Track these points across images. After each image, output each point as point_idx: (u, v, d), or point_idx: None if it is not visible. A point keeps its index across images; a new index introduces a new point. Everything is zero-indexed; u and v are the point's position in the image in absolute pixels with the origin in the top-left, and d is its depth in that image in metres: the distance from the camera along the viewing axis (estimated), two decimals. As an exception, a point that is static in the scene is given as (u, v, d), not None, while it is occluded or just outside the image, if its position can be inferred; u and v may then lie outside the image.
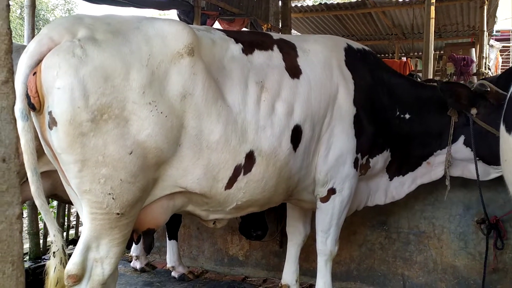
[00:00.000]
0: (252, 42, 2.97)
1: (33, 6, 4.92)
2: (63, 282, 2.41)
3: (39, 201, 2.35)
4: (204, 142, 2.54)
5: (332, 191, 3.22)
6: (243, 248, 4.86)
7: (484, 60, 10.46)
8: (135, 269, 4.83)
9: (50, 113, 2.25)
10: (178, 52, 2.47)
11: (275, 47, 3.04)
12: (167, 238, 4.60)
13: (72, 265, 2.40)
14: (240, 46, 2.88)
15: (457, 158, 3.52)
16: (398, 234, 4.29)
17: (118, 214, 2.38)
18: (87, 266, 2.42)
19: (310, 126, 2.98)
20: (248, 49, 2.90)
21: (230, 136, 2.61)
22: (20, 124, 2.26)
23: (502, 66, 15.43)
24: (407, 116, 3.46)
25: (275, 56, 3.00)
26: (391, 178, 3.62)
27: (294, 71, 3.01)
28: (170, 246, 4.57)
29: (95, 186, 2.30)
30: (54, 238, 2.43)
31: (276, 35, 3.27)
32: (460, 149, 3.48)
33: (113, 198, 2.34)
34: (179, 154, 2.50)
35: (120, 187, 2.33)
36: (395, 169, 3.58)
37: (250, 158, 2.72)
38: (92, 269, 2.44)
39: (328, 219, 3.29)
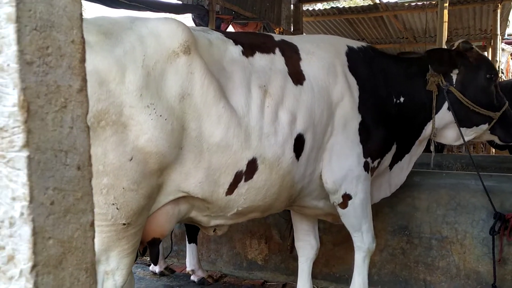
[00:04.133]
0: (252, 44, 2.85)
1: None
2: None
3: None
4: (204, 144, 2.43)
5: (347, 197, 3.14)
6: (262, 252, 4.85)
7: (497, 64, 10.41)
8: (154, 273, 4.83)
9: None
10: (173, 51, 2.35)
11: (277, 50, 2.93)
12: (187, 242, 4.60)
13: None
14: (239, 48, 2.76)
15: (439, 126, 3.55)
16: (420, 239, 4.27)
17: (124, 224, 2.26)
18: (98, 280, 2.33)
19: (312, 135, 2.89)
20: (248, 51, 2.79)
21: (231, 140, 2.50)
22: None
23: (513, 69, 15.34)
24: (402, 99, 3.40)
25: (277, 59, 2.88)
26: (391, 168, 3.57)
27: (297, 76, 2.90)
28: (190, 250, 4.56)
29: (97, 198, 2.16)
30: None
31: (277, 36, 3.14)
32: (443, 115, 3.50)
33: (117, 208, 2.22)
34: (181, 158, 2.39)
35: (123, 196, 2.21)
36: (396, 158, 3.54)
37: (252, 165, 2.62)
38: (104, 282, 2.34)
39: (357, 220, 3.23)
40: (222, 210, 2.72)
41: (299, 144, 2.83)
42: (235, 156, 2.54)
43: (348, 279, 4.43)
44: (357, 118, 3.10)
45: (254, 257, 4.88)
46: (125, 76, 2.19)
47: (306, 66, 2.99)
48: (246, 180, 2.65)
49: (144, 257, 5.41)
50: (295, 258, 4.72)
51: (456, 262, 4.15)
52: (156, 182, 2.37)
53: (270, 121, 2.68)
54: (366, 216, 3.27)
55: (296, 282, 4.65)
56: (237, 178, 2.61)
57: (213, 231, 3.07)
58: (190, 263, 4.55)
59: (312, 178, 3.04)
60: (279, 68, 2.85)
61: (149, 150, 2.25)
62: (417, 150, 3.65)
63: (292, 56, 2.98)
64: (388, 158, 3.39)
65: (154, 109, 2.24)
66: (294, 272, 4.71)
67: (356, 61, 3.26)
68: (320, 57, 3.08)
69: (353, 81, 3.15)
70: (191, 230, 4.57)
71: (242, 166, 2.60)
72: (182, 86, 2.36)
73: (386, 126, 3.27)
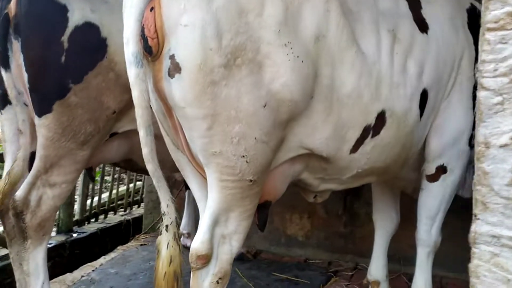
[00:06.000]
0: None
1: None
2: (178, 261, 2.02)
3: (152, 166, 1.97)
4: (334, 95, 2.14)
5: (442, 170, 2.80)
6: (303, 228, 4.48)
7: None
8: (186, 247, 4.47)
9: (172, 57, 1.83)
10: None
11: None
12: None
13: (201, 244, 2.01)
14: None
15: None
16: (483, 217, 3.88)
17: (250, 181, 1.99)
18: (213, 244, 2.05)
19: (435, 92, 2.59)
20: None
21: (363, 90, 2.21)
22: (133, 71, 1.85)
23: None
24: None
25: (401, 2, 2.57)
26: None
27: (421, 24, 2.58)
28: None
29: (227, 147, 1.90)
30: (167, 210, 2.02)
31: None
32: None
33: (246, 162, 1.94)
34: (310, 109, 2.09)
35: (254, 148, 1.94)
36: None
37: (381, 118, 2.33)
38: (219, 246, 2.07)
39: (437, 203, 2.86)
40: (340, 171, 2.43)
41: (423, 100, 2.53)
42: (365, 108, 2.25)
43: (400, 259, 4.08)
44: (472, 81, 2.78)
45: (294, 232, 4.51)
46: (264, 8, 1.90)
47: (428, 14, 2.66)
48: (373, 136, 2.35)
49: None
50: (341, 235, 4.38)
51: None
52: (280, 135, 2.06)
53: (399, 70, 2.39)
54: (447, 202, 2.92)
55: (342, 260, 4.34)
56: (365, 134, 2.32)
57: (314, 197, 2.75)
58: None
59: (421, 142, 2.72)
60: (404, 12, 2.55)
61: (283, 96, 1.96)
62: None
63: (413, 0, 2.66)
64: None
65: (291, 48, 1.94)
66: (339, 250, 4.37)
67: (477, 20, 2.88)
68: (441, 6, 2.77)
69: (471, 40, 2.82)
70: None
71: (371, 120, 2.31)
72: (319, 25, 2.05)
73: None
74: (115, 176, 6.01)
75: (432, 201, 2.87)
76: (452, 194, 2.90)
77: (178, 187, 4.92)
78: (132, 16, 1.84)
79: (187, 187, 4.48)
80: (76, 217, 4.94)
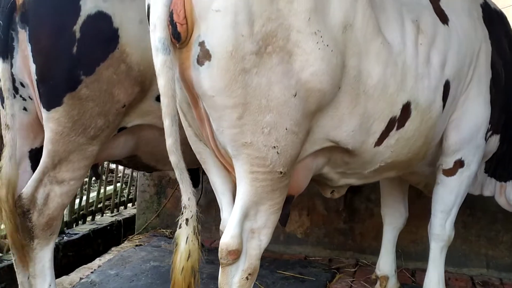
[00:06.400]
0: None
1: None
2: (196, 256, 1.95)
3: (175, 157, 1.88)
4: (361, 86, 2.10)
5: (460, 164, 2.80)
6: (302, 225, 4.45)
7: None
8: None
9: (201, 44, 1.76)
10: None
11: None
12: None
13: (231, 238, 1.94)
14: None
15: None
16: (483, 212, 3.93)
17: (281, 172, 1.93)
18: (242, 239, 1.98)
19: (456, 84, 2.59)
20: None
21: (388, 81, 2.18)
22: (160, 58, 1.77)
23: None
24: None
25: None
26: None
27: (441, 15, 2.58)
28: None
29: (257, 138, 1.84)
30: (189, 203, 1.94)
31: None
32: None
33: (277, 153, 1.88)
34: (337, 100, 2.05)
35: (285, 138, 1.88)
36: None
37: (406, 110, 2.31)
38: (248, 241, 2.00)
39: (453, 197, 2.87)
40: (363, 165, 2.40)
41: (446, 92, 2.52)
42: (391, 99, 2.22)
43: (401, 254, 4.09)
44: (489, 74, 2.81)
45: (294, 230, 4.47)
46: None
47: (445, 6, 2.66)
48: (398, 128, 2.33)
49: (161, 229, 5.00)
50: (341, 232, 4.36)
51: (522, 237, 3.84)
52: (308, 126, 2.01)
53: (424, 61, 2.37)
54: (462, 197, 2.93)
55: (342, 257, 4.32)
56: (390, 126, 2.29)
57: (331, 193, 2.72)
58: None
59: (440, 136, 2.70)
60: (425, 3, 2.56)
61: (312, 86, 1.90)
62: None
63: None
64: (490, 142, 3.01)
65: (321, 37, 1.89)
66: (339, 247, 4.36)
67: (490, 15, 2.97)
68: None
69: (486, 34, 2.85)
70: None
71: (397, 112, 2.28)
72: (346, 14, 2.00)
73: (503, 103, 2.94)
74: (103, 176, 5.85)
75: (448, 195, 2.87)
76: (467, 189, 2.91)
77: (173, 186, 4.83)
78: (160, 1, 1.76)
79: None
80: (65, 219, 4.78)
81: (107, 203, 5.87)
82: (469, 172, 2.83)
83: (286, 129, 1.88)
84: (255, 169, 1.90)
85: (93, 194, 5.51)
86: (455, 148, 2.76)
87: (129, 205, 6.05)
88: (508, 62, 2.98)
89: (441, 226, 2.93)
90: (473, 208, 3.96)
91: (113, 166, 6.25)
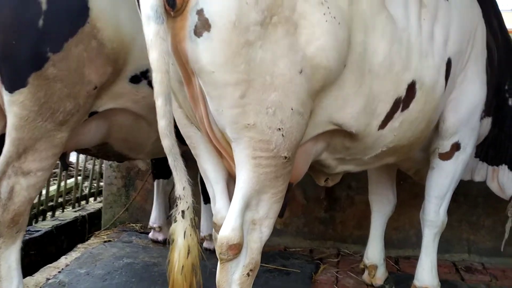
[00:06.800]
0: None
1: None
2: (196, 252, 1.77)
3: (169, 141, 1.66)
4: (367, 64, 1.95)
5: (456, 147, 2.71)
6: (281, 215, 4.28)
7: None
8: (156, 241, 4.12)
9: (200, 12, 1.55)
10: None
11: None
12: (203, 202, 3.90)
13: (232, 231, 1.74)
14: None
15: None
16: (465, 197, 3.89)
17: (285, 157, 1.77)
18: (243, 231, 1.79)
19: (457, 62, 2.48)
20: None
21: (394, 58, 2.04)
22: (152, 28, 1.55)
23: None
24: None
25: None
26: None
27: None
28: (206, 212, 3.88)
29: (261, 119, 1.67)
30: (184, 193, 1.74)
31: None
32: None
33: (282, 135, 1.72)
34: (341, 79, 1.88)
35: (290, 119, 1.72)
36: None
37: (411, 90, 2.19)
38: (249, 234, 1.82)
39: (448, 182, 2.78)
40: (364, 150, 2.26)
41: (448, 70, 2.39)
42: (397, 78, 2.09)
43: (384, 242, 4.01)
44: (485, 54, 2.72)
45: (272, 220, 4.29)
46: None
47: None
48: (402, 110, 2.20)
49: (131, 224, 4.73)
50: (321, 221, 4.23)
51: (503, 220, 3.81)
52: (311, 107, 1.84)
53: (427, 37, 2.25)
54: (457, 181, 2.86)
55: (322, 247, 4.20)
56: (395, 107, 2.16)
57: (325, 181, 2.55)
58: (207, 227, 3.88)
59: (437, 118, 2.59)
60: None
61: (318, 62, 1.75)
62: None
63: None
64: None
65: (328, 7, 1.73)
66: (319, 237, 4.23)
67: None
68: None
69: (480, 12, 2.75)
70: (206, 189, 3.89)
71: (402, 92, 2.15)
72: None
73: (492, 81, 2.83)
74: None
75: (444, 179, 2.78)
76: (462, 174, 2.83)
77: (143, 178, 4.56)
78: None
79: (155, 177, 4.14)
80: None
81: (67, 197, 5.54)
82: (465, 156, 2.75)
83: (292, 109, 1.71)
84: (258, 154, 1.73)
85: (52, 188, 5.16)
86: (453, 131, 2.66)
87: (91, 199, 5.71)
88: (499, 44, 2.90)
89: (435, 212, 2.83)
90: (454, 193, 3.90)
91: (72, 158, 5.89)
